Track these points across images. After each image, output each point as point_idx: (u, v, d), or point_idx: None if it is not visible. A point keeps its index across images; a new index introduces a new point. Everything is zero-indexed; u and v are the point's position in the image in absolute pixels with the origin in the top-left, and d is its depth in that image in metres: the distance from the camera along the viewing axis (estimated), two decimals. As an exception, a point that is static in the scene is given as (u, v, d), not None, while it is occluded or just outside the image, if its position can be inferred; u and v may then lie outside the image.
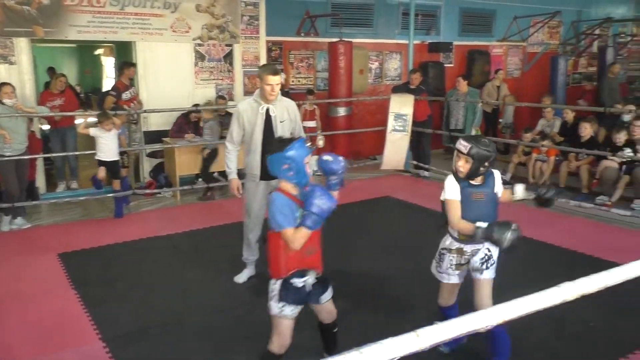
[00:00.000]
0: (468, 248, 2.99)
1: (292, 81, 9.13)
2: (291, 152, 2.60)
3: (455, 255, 3.03)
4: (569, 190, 7.34)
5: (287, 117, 4.13)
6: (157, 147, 7.48)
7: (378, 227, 5.91)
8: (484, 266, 2.96)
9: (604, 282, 1.05)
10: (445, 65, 10.41)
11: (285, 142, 2.69)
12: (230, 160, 4.24)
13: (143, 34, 7.56)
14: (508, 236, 2.57)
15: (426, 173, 8.40)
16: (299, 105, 8.35)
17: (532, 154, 7.80)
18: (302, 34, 8.98)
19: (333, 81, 8.57)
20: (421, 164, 8.38)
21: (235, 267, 4.55)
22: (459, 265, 3.04)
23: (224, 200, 7.16)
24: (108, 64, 12.63)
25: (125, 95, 7.18)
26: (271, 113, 4.06)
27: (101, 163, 6.16)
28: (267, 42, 8.72)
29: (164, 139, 7.53)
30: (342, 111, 8.78)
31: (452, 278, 3.09)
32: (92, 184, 6.44)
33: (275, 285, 2.66)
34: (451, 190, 2.93)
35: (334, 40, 8.38)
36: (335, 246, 4.38)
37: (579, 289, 1.02)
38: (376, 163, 8.85)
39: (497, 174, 3.00)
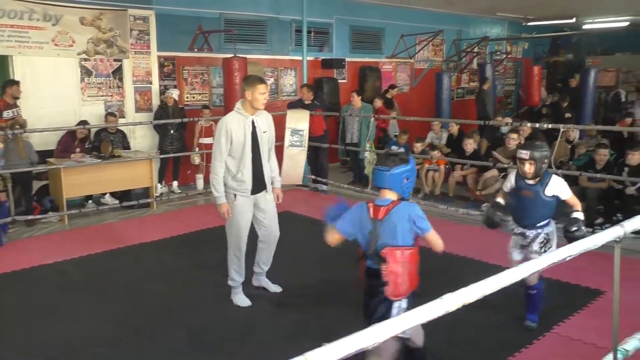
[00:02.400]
0: (530, 233, 3.60)
1: (187, 97, 8.92)
2: (412, 165, 2.74)
3: (518, 237, 3.69)
4: (458, 199, 7.82)
5: (267, 128, 4.15)
6: (40, 168, 6.95)
7: (280, 243, 5.90)
8: (542, 249, 3.56)
9: (483, 291, 1.12)
10: (339, 81, 10.70)
11: (399, 155, 2.73)
12: (219, 182, 4.03)
13: (21, 47, 7.06)
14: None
15: (324, 187, 8.55)
16: (195, 123, 8.33)
17: (424, 164, 8.20)
18: (196, 50, 8.83)
19: (229, 97, 8.48)
20: (319, 178, 8.52)
21: (130, 295, 4.33)
22: (521, 246, 3.67)
23: (115, 222, 6.83)
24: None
25: (7, 114, 6.64)
26: (256, 124, 4.05)
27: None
28: (159, 57, 8.49)
29: (48, 159, 7.04)
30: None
31: (515, 256, 3.71)
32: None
33: (402, 303, 2.59)
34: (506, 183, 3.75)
35: (229, 56, 8.31)
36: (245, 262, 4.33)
37: (460, 299, 1.07)
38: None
39: (555, 178, 3.55)
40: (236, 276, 4.28)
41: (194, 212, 7.45)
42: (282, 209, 6.40)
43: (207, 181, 8.39)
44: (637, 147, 6.38)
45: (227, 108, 8.61)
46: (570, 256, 1.44)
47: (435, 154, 8.01)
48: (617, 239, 1.62)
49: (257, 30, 9.65)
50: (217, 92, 9.18)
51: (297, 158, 8.07)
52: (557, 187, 3.52)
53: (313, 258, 5.28)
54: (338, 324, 3.82)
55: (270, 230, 4.32)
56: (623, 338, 1.85)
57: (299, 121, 8.02)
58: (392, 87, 11.10)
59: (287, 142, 7.97)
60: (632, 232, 5.20)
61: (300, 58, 9.09)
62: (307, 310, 4.20)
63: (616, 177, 6.23)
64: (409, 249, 2.59)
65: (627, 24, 13.88)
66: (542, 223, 3.59)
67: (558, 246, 3.06)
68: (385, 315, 2.55)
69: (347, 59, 10.94)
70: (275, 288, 4.49)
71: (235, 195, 4.06)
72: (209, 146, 8.37)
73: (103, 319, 4.09)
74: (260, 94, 3.95)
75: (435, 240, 2.71)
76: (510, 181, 3.68)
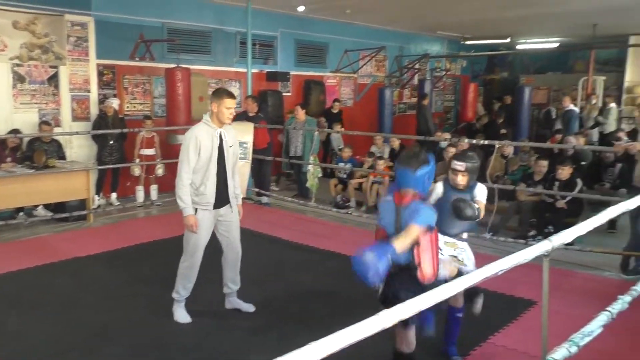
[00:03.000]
0: (460, 243, 3.55)
1: (127, 107, 8.70)
2: (433, 165, 2.94)
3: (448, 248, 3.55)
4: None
5: (233, 142, 4.10)
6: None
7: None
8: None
9: (417, 307, 1.14)
10: (284, 94, 10.73)
11: (421, 156, 2.92)
12: (186, 193, 3.92)
13: (-53, 51, 6.70)
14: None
15: (268, 199, 8.51)
16: (136, 133, 8.12)
17: (370, 177, 8.31)
18: (137, 59, 8.63)
19: (171, 108, 8.34)
20: (263, 191, 8.48)
21: (64, 311, 4.15)
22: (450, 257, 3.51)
23: (48, 235, 6.55)
24: None
25: None
26: (223, 137, 4.01)
27: None
28: (98, 65, 8.24)
29: (-25, 170, 6.67)
30: (181, 139, 8.52)
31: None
32: None
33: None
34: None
35: (171, 66, 8.19)
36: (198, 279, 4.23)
37: (396, 316, 1.09)
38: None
39: (480, 185, 3.51)
40: (182, 291, 4.16)
41: (133, 225, 7.24)
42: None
43: (147, 193, 8.19)
44: (567, 163, 6.71)
45: (170, 119, 8.47)
46: (502, 270, 1.50)
47: (381, 164, 8.14)
48: (546, 253, 1.69)
49: (201, 40, 9.56)
50: (160, 102, 9.00)
51: (241, 171, 7.95)
52: (480, 193, 3.50)
53: (256, 271, 5.23)
54: (284, 337, 3.83)
55: (232, 247, 4.25)
56: (553, 347, 1.92)
57: (243, 133, 7.96)
58: (336, 101, 11.26)
59: (231, 154, 7.89)
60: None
61: (244, 70, 9.06)
62: (254, 325, 4.15)
63: (547, 192, 6.53)
64: (427, 233, 2.84)
65: (556, 45, 14.67)
66: (466, 232, 3.58)
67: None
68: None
69: (292, 72, 11.00)
70: (248, 307, 4.37)
71: (196, 209, 3.97)
72: (150, 157, 8.22)
73: (36, 336, 3.90)
74: (227, 108, 3.92)
75: (405, 236, 2.78)
76: (437, 192, 3.54)
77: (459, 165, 3.42)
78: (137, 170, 8.18)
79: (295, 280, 5.19)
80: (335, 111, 11.00)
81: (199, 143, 3.89)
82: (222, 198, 4.05)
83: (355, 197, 8.36)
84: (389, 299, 2.87)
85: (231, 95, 3.98)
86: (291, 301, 4.64)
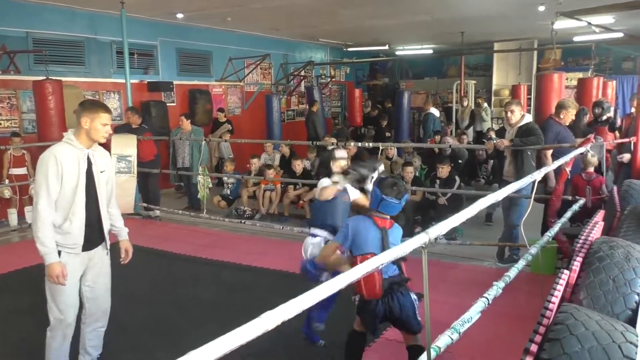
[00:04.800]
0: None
1: (-9, 124, 7.96)
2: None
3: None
4: (293, 218, 8.01)
5: (106, 167, 3.33)
6: None
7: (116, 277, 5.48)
8: None
9: (301, 305, 1.14)
10: (168, 104, 10.40)
11: (400, 185, 3.11)
12: (48, 234, 3.05)
13: None
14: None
15: (158, 213, 8.20)
16: (3, 151, 7.45)
17: (261, 185, 8.27)
18: (0, 71, 7.94)
19: (43, 123, 7.74)
20: (151, 206, 8.14)
21: None
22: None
23: None
24: None
25: None
26: (92, 161, 3.22)
27: None
28: (-47, 79, 7.48)
29: None
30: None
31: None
32: None
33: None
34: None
35: (40, 78, 7.61)
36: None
37: (278, 317, 1.08)
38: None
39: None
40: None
41: (6, 251, 6.63)
42: (113, 239, 6.01)
43: (21, 215, 7.55)
44: (446, 161, 7.13)
45: (41, 135, 7.86)
46: (382, 264, 1.53)
47: (270, 173, 8.14)
48: (424, 245, 1.76)
49: (72, 51, 8.99)
50: (29, 117, 8.33)
51: (125, 186, 7.63)
52: (353, 193, 3.83)
53: (145, 288, 5.01)
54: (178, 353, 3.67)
55: (99, 302, 3.38)
56: (437, 336, 2.00)
57: (125, 146, 7.62)
58: (221, 110, 11.12)
59: (114, 169, 7.49)
60: (446, 239, 5.76)
61: (123, 81, 8.65)
62: (142, 344, 3.94)
63: (429, 189, 6.90)
64: None
65: (431, 51, 15.61)
66: None
67: None
68: (413, 305, 3.11)
69: (175, 82, 10.69)
70: None
71: (59, 252, 3.10)
72: (21, 177, 7.59)
73: None
74: (103, 124, 3.17)
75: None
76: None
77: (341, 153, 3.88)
78: (7, 192, 7.52)
79: (188, 294, 5.02)
80: (221, 121, 10.86)
81: (61, 168, 3.07)
82: (93, 237, 3.25)
83: (249, 206, 8.29)
84: (389, 313, 3.09)
85: (107, 109, 3.26)
86: (183, 317, 4.48)
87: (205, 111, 11.12)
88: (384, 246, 3.02)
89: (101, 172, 3.26)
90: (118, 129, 7.99)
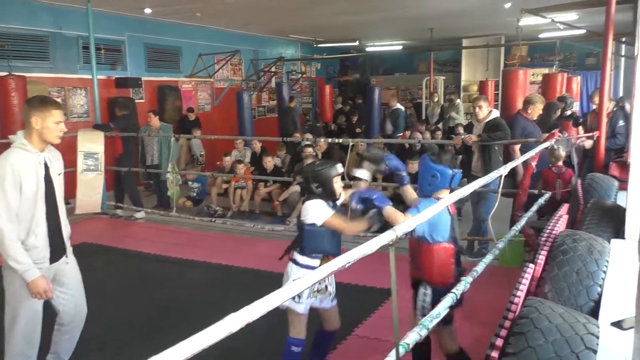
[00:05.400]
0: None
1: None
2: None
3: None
4: (264, 215, 7.98)
5: (61, 168, 3.11)
6: None
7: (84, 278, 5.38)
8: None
9: (265, 307, 1.13)
10: (137, 100, 10.23)
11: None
12: (19, 250, 2.81)
13: None
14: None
15: (141, 215, 7.96)
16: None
17: (232, 182, 8.21)
18: (-41, 67, 7.69)
19: (6, 120, 7.52)
20: (132, 207, 7.95)
21: None
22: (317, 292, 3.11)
23: None
24: None
25: None
26: (49, 164, 2.96)
27: None
28: None
29: None
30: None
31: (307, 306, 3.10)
32: None
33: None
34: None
35: (3, 74, 7.40)
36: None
37: (243, 319, 1.07)
38: (70, 207, 8.08)
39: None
40: None
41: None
42: (80, 240, 5.91)
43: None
44: (416, 157, 7.19)
45: (5, 132, 7.62)
46: (348, 263, 1.54)
47: (241, 168, 8.09)
48: (391, 242, 1.77)
49: (36, 46, 8.76)
50: (-9, 114, 8.08)
51: (93, 184, 7.51)
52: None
53: (115, 289, 4.93)
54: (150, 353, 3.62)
55: (77, 309, 3.22)
56: (405, 333, 2.01)
57: (92, 143, 7.49)
58: (190, 110, 11.00)
59: (80, 167, 7.36)
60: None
61: (90, 77, 8.47)
62: (117, 345, 3.88)
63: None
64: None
65: (400, 47, 15.72)
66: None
67: None
68: None
69: (144, 78, 10.52)
70: None
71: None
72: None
73: None
74: (56, 122, 2.90)
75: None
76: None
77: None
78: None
79: (158, 294, 4.96)
80: (191, 119, 10.76)
81: (19, 178, 2.81)
82: (57, 248, 3.04)
83: (219, 204, 8.22)
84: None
85: (58, 105, 3.01)
86: (153, 317, 4.42)
87: (175, 108, 10.98)
88: (455, 235, 2.88)
89: (58, 174, 3.06)
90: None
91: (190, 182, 8.57)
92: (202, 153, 10.65)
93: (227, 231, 7.16)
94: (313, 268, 2.99)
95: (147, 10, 9.40)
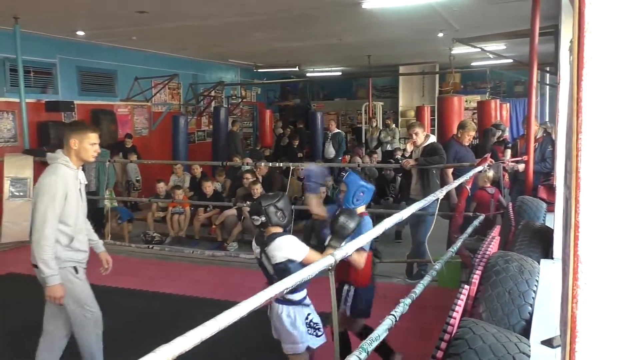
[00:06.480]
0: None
1: None
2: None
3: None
4: (204, 241, 7.82)
5: (86, 182, 3.57)
6: None
7: (17, 308, 5.05)
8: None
9: (199, 336, 1.10)
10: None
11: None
12: (53, 257, 3.19)
13: None
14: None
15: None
16: None
17: (169, 208, 8.01)
18: None
19: None
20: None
21: None
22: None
23: None
24: None
25: None
26: (81, 180, 3.43)
27: None
28: None
29: None
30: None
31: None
32: None
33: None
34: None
35: None
36: None
37: (174, 350, 1.03)
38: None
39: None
40: None
41: None
42: (7, 269, 5.62)
43: None
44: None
45: None
46: (287, 288, 1.52)
47: (179, 194, 7.92)
48: (330, 267, 1.77)
49: (-41, 67, 8.34)
50: None
51: (20, 210, 7.16)
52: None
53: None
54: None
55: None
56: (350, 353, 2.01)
57: (20, 168, 7.17)
58: (128, 136, 10.71)
59: (6, 193, 7.03)
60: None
61: (17, 100, 8.10)
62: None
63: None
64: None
65: (339, 73, 16.02)
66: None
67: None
68: None
69: (77, 102, 10.16)
70: None
71: (76, 268, 3.36)
72: None
73: None
74: (91, 144, 3.35)
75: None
76: None
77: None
78: None
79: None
80: (128, 146, 10.47)
81: (67, 190, 3.25)
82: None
83: (156, 230, 7.99)
84: None
85: (94, 129, 3.46)
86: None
87: (110, 132, 10.66)
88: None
89: (85, 186, 3.52)
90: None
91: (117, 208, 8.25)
92: (138, 178, 10.36)
93: (165, 258, 6.96)
94: (305, 299, 3.10)
95: (80, 33, 9.15)
